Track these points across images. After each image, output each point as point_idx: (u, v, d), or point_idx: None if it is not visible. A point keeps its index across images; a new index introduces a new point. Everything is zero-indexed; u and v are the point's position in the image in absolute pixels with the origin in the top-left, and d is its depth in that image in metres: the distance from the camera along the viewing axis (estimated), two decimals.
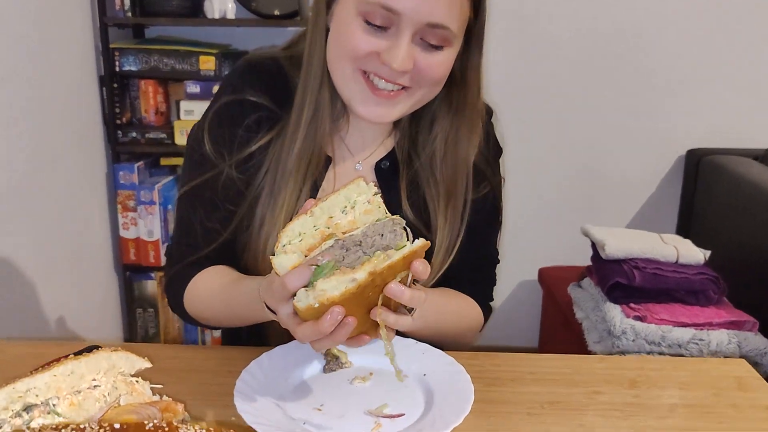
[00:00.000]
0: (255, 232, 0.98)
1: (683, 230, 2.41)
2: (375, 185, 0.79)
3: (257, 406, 0.80)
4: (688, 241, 1.99)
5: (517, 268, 2.60)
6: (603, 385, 0.91)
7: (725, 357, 1.66)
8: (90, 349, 0.64)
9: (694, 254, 1.88)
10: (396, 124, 1.04)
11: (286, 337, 0.86)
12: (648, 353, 1.69)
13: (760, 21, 2.35)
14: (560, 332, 2.21)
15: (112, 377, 0.63)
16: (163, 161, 2.34)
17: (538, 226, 2.57)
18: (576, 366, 0.95)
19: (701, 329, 1.70)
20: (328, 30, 0.93)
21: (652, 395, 0.88)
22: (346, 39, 0.87)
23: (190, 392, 0.85)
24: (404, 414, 0.82)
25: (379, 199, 0.79)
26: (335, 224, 0.77)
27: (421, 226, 1.02)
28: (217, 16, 2.13)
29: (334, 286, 0.70)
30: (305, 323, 0.74)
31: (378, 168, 1.04)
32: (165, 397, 0.70)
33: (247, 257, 1.01)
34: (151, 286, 2.37)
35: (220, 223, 1.00)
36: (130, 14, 2.17)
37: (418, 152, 1.02)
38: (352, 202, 0.79)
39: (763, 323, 1.76)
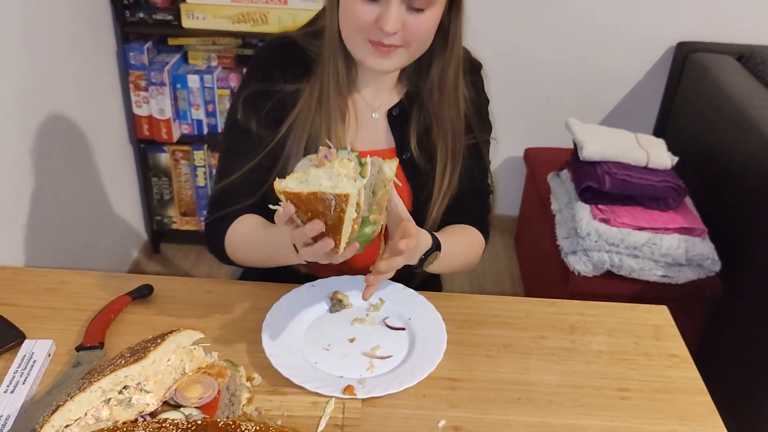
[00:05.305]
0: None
1: (661, 126, 2.57)
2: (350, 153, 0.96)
3: (280, 349, 1.05)
4: (661, 144, 2.17)
5: (504, 145, 2.80)
6: (548, 330, 1.15)
7: (674, 260, 1.92)
8: (162, 337, 0.87)
9: (662, 159, 2.08)
10: (402, 77, 1.25)
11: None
12: (607, 252, 1.95)
13: None
14: (538, 214, 2.45)
15: (179, 353, 0.87)
16: (171, 41, 2.42)
17: (526, 108, 2.72)
18: (529, 310, 1.19)
19: (656, 233, 1.94)
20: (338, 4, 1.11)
21: (585, 341, 1.13)
22: (351, 12, 1.07)
23: (225, 331, 1.10)
24: (392, 356, 1.07)
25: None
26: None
27: (426, 167, 1.24)
28: None
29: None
30: (298, 229, 0.91)
31: (390, 115, 1.24)
32: (214, 354, 0.93)
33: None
34: (165, 158, 2.56)
35: (257, 179, 1.20)
36: None
37: (423, 99, 1.22)
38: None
39: (715, 228, 2.00)
